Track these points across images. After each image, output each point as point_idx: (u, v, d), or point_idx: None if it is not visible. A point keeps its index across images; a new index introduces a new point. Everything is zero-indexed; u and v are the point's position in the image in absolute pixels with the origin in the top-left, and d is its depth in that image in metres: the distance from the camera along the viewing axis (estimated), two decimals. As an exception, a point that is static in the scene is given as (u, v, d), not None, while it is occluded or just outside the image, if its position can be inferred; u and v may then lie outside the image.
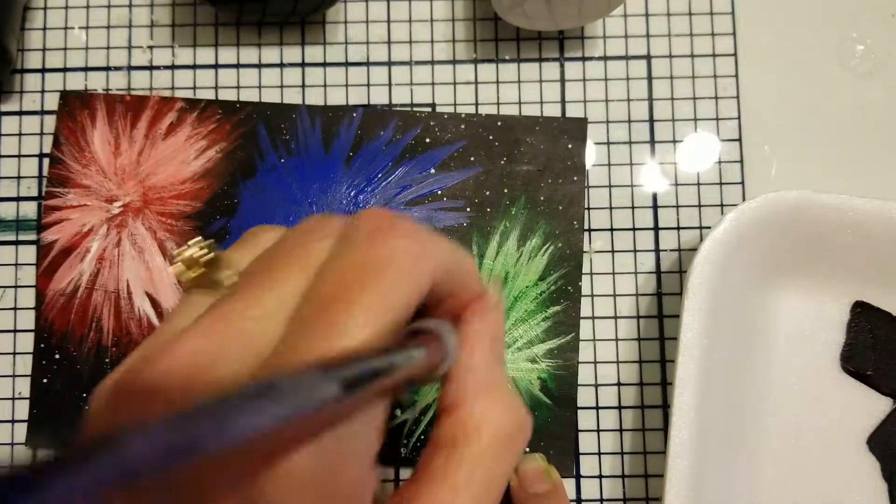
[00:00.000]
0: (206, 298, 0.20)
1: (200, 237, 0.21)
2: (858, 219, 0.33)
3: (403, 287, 0.18)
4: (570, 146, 0.38)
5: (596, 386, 0.37)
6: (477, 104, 0.39)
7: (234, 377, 0.17)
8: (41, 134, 0.38)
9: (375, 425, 0.18)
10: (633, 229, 0.38)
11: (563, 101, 0.39)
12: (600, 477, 0.36)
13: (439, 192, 0.37)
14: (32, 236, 0.37)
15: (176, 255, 0.20)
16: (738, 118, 0.38)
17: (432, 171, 0.37)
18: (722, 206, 0.38)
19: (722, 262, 0.33)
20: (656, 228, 0.38)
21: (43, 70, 0.39)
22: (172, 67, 0.39)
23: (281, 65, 0.39)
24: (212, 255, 0.20)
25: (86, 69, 0.39)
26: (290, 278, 0.19)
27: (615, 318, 0.37)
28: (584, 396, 0.37)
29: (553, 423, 0.36)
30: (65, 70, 0.39)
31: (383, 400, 0.19)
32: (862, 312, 0.35)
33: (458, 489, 0.19)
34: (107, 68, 0.39)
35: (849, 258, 0.34)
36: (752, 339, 0.35)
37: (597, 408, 0.37)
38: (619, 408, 0.37)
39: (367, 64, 0.39)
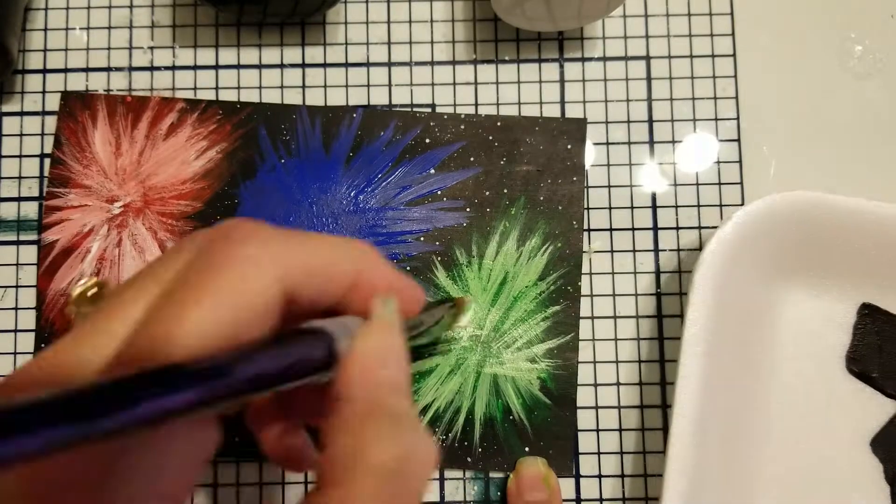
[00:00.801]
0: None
1: (92, 277, 0.21)
2: (866, 220, 0.33)
3: (236, 294, 0.18)
4: (569, 146, 0.38)
5: (595, 386, 0.37)
6: (477, 105, 0.39)
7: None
8: (42, 134, 0.38)
9: (174, 464, 0.18)
10: (633, 229, 0.38)
11: (562, 102, 0.39)
12: (600, 477, 0.36)
13: (439, 193, 0.37)
14: (33, 236, 0.38)
15: (70, 295, 0.20)
16: (737, 119, 0.39)
17: (432, 171, 0.38)
18: (721, 206, 0.38)
19: (728, 260, 0.33)
20: (655, 228, 0.38)
21: (44, 71, 0.39)
22: (173, 68, 0.39)
23: (281, 65, 0.39)
24: (95, 290, 0.20)
25: (87, 70, 0.39)
26: (139, 301, 0.18)
27: (614, 317, 0.37)
28: (584, 396, 0.37)
29: (552, 422, 0.36)
30: (66, 71, 0.39)
31: (203, 431, 0.18)
32: (869, 314, 0.35)
33: None
34: (108, 69, 0.39)
35: (856, 260, 0.34)
36: (756, 338, 0.35)
37: (596, 407, 0.37)
38: (619, 407, 0.37)
39: (368, 65, 0.39)
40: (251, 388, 0.17)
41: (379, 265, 0.22)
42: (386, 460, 0.18)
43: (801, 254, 0.34)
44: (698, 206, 0.38)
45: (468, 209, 0.37)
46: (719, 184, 0.38)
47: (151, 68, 0.39)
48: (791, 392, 0.35)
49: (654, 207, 0.38)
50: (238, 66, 0.39)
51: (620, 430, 0.37)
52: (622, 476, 0.36)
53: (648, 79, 0.39)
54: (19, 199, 0.38)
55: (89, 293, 0.20)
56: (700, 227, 0.38)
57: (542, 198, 0.37)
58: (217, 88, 0.39)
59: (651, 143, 0.38)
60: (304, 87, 0.39)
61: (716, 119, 0.39)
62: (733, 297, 0.33)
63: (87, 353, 0.17)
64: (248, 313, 0.18)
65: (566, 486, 0.36)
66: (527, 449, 0.36)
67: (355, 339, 0.20)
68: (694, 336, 0.32)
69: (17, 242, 0.38)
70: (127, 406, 0.14)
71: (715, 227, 0.37)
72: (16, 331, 0.37)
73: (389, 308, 0.22)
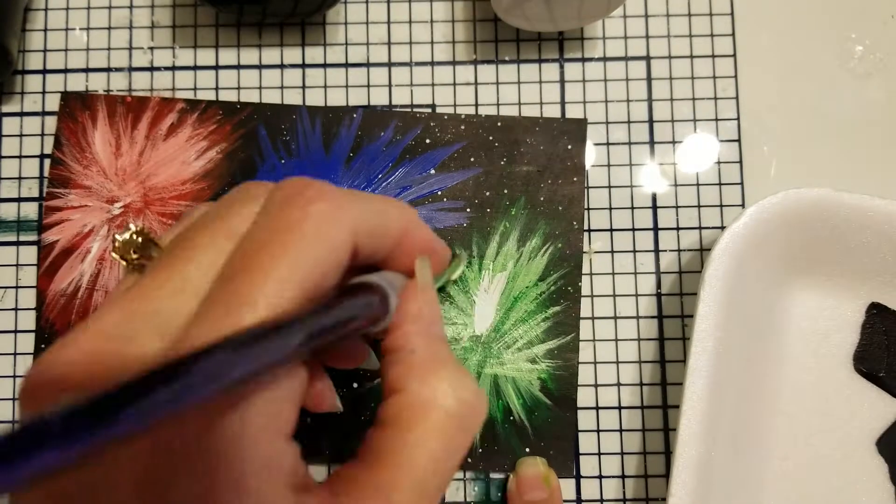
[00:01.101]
0: (135, 279, 0.20)
1: (136, 224, 0.21)
2: (879, 219, 0.33)
3: (315, 250, 0.18)
4: (569, 147, 0.38)
5: (596, 386, 0.37)
6: (477, 105, 0.39)
7: (143, 358, 0.17)
8: (42, 135, 0.38)
9: (289, 398, 0.18)
10: (633, 230, 0.38)
11: (562, 102, 0.39)
12: (600, 477, 0.36)
13: (439, 193, 0.37)
14: (33, 237, 0.38)
15: (114, 240, 0.20)
16: (738, 119, 0.38)
17: (432, 171, 0.38)
18: (721, 206, 0.38)
19: (740, 255, 0.33)
20: (656, 229, 0.38)
21: (44, 71, 0.39)
22: (173, 68, 0.39)
23: (281, 66, 0.39)
24: (141, 238, 0.20)
25: (87, 70, 0.39)
26: (210, 249, 0.19)
27: (615, 318, 0.37)
28: (584, 397, 0.37)
29: (553, 423, 0.36)
30: (66, 71, 0.39)
31: (298, 372, 0.19)
32: (877, 314, 0.35)
33: (400, 472, 0.19)
34: (108, 69, 0.39)
35: (867, 259, 0.34)
36: (766, 335, 0.35)
37: (597, 408, 0.37)
38: (619, 408, 0.37)
39: (368, 65, 0.39)
40: (322, 341, 0.18)
41: (420, 226, 0.24)
42: (453, 403, 0.20)
43: (811, 251, 0.34)
44: (699, 206, 0.38)
45: (468, 209, 0.37)
46: (720, 184, 0.38)
47: (151, 69, 0.39)
48: (798, 390, 0.35)
49: (655, 208, 0.38)
50: (238, 67, 0.39)
51: (621, 430, 0.37)
52: (623, 477, 0.36)
53: (649, 79, 0.39)
54: (19, 200, 0.38)
55: (135, 242, 0.21)
56: (700, 228, 0.38)
57: (542, 198, 0.37)
58: (217, 89, 0.39)
59: (651, 143, 0.38)
60: (304, 87, 0.39)
61: (716, 119, 0.39)
62: (743, 292, 0.33)
63: (170, 302, 0.18)
64: (324, 269, 0.19)
65: (567, 487, 0.36)
66: (527, 449, 0.36)
67: (409, 299, 0.22)
68: (704, 332, 0.32)
69: (17, 243, 0.38)
70: (225, 369, 0.14)
71: (715, 227, 0.38)
72: (15, 331, 0.37)
73: (426, 270, 0.23)
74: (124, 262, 0.20)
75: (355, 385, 0.36)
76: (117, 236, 0.20)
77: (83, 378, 0.17)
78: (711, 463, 0.32)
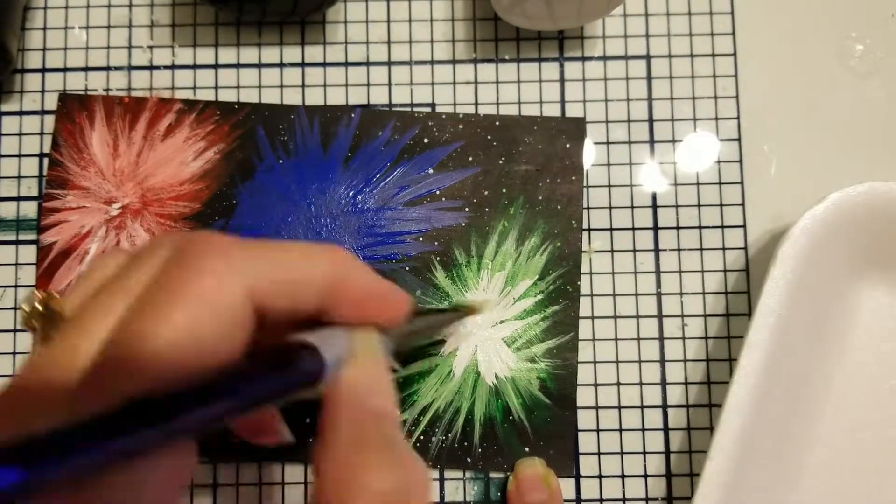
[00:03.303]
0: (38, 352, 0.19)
1: (40, 292, 0.20)
2: None
3: (201, 310, 0.17)
4: (568, 146, 0.38)
5: (595, 386, 0.37)
6: (477, 104, 0.39)
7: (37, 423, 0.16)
8: (41, 134, 0.38)
9: (183, 465, 0.18)
10: (633, 229, 0.38)
11: (562, 101, 0.39)
12: (600, 477, 0.36)
13: (437, 192, 0.37)
14: (33, 236, 0.38)
15: (23, 309, 0.20)
16: (738, 118, 0.38)
17: (430, 171, 0.37)
18: (721, 206, 0.38)
19: (816, 239, 0.33)
20: (655, 228, 0.38)
21: (43, 70, 0.39)
22: (172, 67, 0.39)
23: (281, 65, 0.39)
24: (44, 308, 0.19)
25: (86, 69, 0.39)
26: (105, 315, 0.18)
27: (615, 317, 0.37)
28: (584, 396, 0.37)
29: (552, 422, 0.36)
30: (65, 70, 0.39)
31: (189, 446, 0.18)
32: None
33: None
34: (107, 68, 0.39)
35: None
36: (830, 323, 0.35)
37: (596, 408, 0.37)
38: (619, 408, 0.37)
39: (367, 64, 0.39)
40: (239, 410, 0.17)
41: (355, 272, 0.21)
42: (382, 489, 0.17)
43: (890, 246, 0.34)
44: (699, 205, 0.38)
45: (467, 209, 0.37)
46: (720, 183, 0.38)
47: (151, 67, 0.39)
48: (854, 383, 0.35)
49: (655, 207, 0.38)
50: (237, 66, 0.39)
51: (621, 430, 0.37)
52: (622, 476, 0.36)
53: (649, 78, 0.39)
54: (18, 199, 0.38)
55: (42, 307, 0.20)
56: (700, 227, 0.38)
57: (540, 197, 0.37)
58: (216, 87, 0.39)
59: (651, 142, 0.38)
60: (303, 86, 0.39)
61: (716, 118, 0.38)
62: (814, 276, 0.33)
63: (60, 374, 0.17)
64: (218, 323, 0.18)
65: (566, 487, 0.36)
66: (527, 449, 0.36)
67: (341, 370, 0.20)
68: (768, 307, 0.32)
69: (17, 242, 0.38)
70: (118, 437, 0.14)
71: (715, 227, 0.37)
72: (15, 331, 0.37)
73: (370, 340, 0.21)
74: (32, 332, 0.20)
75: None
76: (24, 305, 0.19)
77: None
78: (754, 437, 0.32)
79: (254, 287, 0.19)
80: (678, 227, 0.38)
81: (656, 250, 0.38)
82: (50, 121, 0.38)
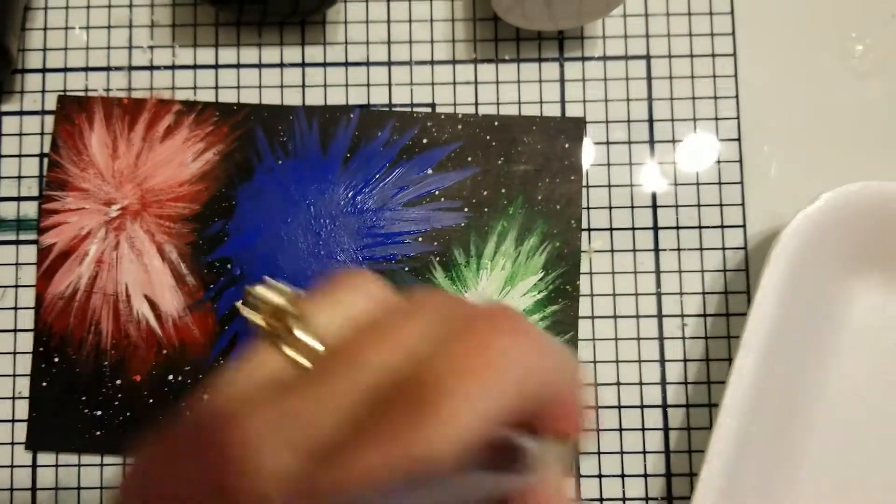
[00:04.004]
0: (278, 362, 0.18)
1: (282, 283, 0.18)
2: None
3: (508, 391, 0.16)
4: (567, 146, 0.38)
5: (595, 386, 0.37)
6: (477, 104, 0.39)
7: (277, 467, 0.15)
8: (42, 134, 0.38)
9: None
10: (633, 229, 0.38)
11: (562, 101, 0.39)
12: (600, 477, 0.36)
13: (437, 193, 0.37)
14: (33, 236, 0.38)
15: (254, 295, 0.18)
16: (738, 118, 0.38)
17: (430, 171, 0.37)
18: (721, 206, 0.38)
19: (809, 238, 0.33)
20: (655, 228, 0.38)
21: (43, 70, 0.39)
22: (173, 67, 0.39)
23: (281, 65, 0.39)
24: (294, 309, 0.18)
25: (86, 69, 0.39)
26: (381, 368, 0.16)
27: (614, 317, 0.37)
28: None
29: (551, 423, 0.36)
30: (65, 70, 0.39)
31: None
32: None
33: None
34: (107, 68, 0.39)
35: None
36: (824, 322, 0.35)
37: (596, 407, 0.37)
38: (619, 407, 0.37)
39: (367, 64, 0.39)
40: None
41: (571, 391, 0.20)
42: None
43: (883, 245, 0.34)
44: (698, 205, 0.38)
45: (466, 209, 0.37)
46: (719, 183, 0.38)
47: (151, 68, 0.39)
48: (849, 381, 0.35)
49: (655, 207, 0.38)
50: (238, 66, 0.39)
51: (620, 430, 0.37)
52: (622, 476, 0.36)
53: (649, 78, 0.39)
54: (19, 199, 0.38)
55: (285, 312, 0.18)
56: (700, 227, 0.38)
57: (540, 197, 0.37)
58: (217, 88, 0.39)
59: (651, 142, 0.38)
60: (303, 86, 0.39)
61: (716, 118, 0.38)
62: (808, 277, 0.33)
63: (321, 417, 0.16)
64: (503, 416, 0.16)
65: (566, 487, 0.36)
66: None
67: (528, 475, 0.19)
68: (762, 309, 0.32)
69: (17, 242, 0.38)
70: None
71: (715, 227, 0.37)
72: (15, 330, 0.37)
73: (559, 452, 0.21)
74: (262, 325, 0.18)
75: None
76: (264, 292, 0.18)
77: (216, 470, 0.16)
78: (750, 438, 0.32)
79: (542, 384, 0.17)
80: (678, 227, 0.38)
81: (656, 250, 0.38)
82: (50, 121, 0.38)
